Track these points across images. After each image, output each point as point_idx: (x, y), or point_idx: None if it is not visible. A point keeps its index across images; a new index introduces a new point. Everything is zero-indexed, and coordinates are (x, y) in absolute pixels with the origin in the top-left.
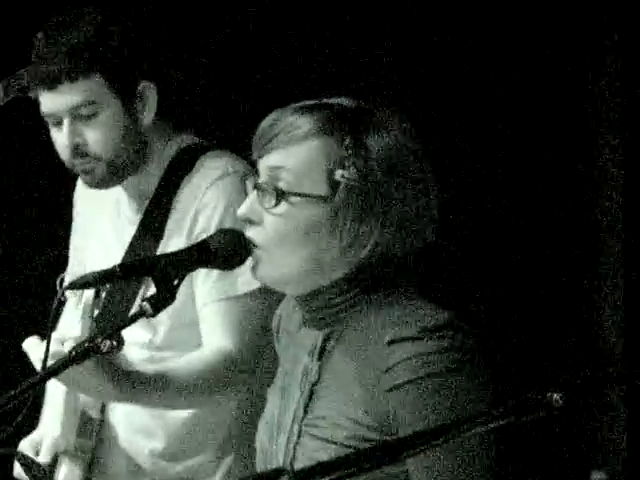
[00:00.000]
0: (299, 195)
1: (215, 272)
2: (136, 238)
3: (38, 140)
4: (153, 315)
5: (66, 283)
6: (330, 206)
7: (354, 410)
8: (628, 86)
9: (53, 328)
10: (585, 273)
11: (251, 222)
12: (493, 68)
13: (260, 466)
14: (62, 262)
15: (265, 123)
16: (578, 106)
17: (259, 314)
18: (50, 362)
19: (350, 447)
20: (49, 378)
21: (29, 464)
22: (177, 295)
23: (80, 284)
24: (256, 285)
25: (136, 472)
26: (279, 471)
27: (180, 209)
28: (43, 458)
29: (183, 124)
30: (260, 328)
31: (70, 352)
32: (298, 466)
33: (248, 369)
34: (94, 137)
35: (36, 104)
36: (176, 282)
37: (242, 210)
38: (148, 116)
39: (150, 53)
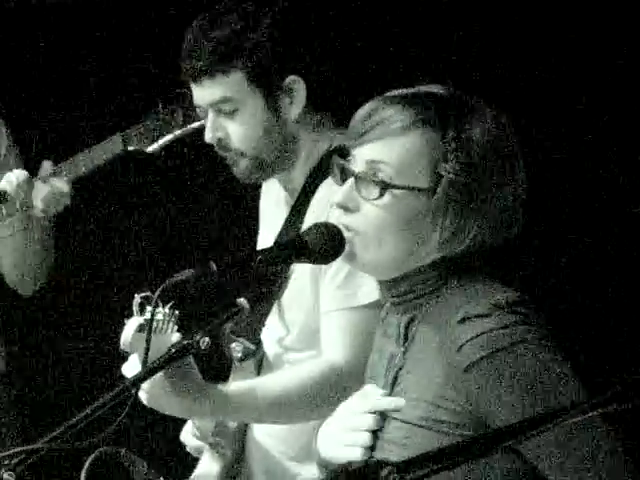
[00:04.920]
0: (402, 188)
1: (339, 278)
2: (280, 233)
3: None
4: (250, 312)
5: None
6: (432, 199)
7: (432, 392)
8: None
9: (150, 330)
10: None
11: (347, 209)
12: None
13: None
14: None
15: (362, 112)
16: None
17: (373, 325)
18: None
19: (422, 427)
20: (149, 376)
21: (132, 462)
22: (306, 299)
23: (178, 282)
24: (376, 296)
25: (270, 475)
26: (381, 463)
27: (316, 208)
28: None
29: (340, 117)
30: (371, 339)
31: (169, 350)
32: (377, 454)
33: (353, 384)
34: (236, 132)
35: None
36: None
37: (339, 198)
38: (294, 111)
39: (300, 47)
